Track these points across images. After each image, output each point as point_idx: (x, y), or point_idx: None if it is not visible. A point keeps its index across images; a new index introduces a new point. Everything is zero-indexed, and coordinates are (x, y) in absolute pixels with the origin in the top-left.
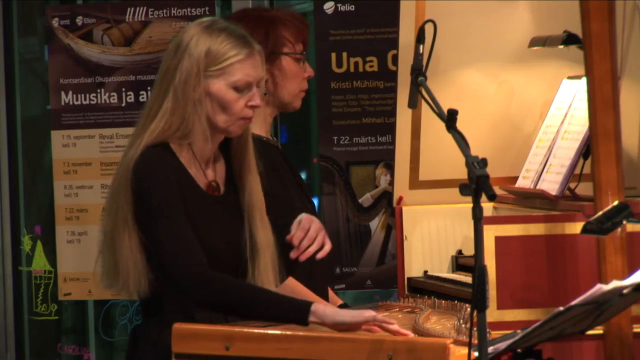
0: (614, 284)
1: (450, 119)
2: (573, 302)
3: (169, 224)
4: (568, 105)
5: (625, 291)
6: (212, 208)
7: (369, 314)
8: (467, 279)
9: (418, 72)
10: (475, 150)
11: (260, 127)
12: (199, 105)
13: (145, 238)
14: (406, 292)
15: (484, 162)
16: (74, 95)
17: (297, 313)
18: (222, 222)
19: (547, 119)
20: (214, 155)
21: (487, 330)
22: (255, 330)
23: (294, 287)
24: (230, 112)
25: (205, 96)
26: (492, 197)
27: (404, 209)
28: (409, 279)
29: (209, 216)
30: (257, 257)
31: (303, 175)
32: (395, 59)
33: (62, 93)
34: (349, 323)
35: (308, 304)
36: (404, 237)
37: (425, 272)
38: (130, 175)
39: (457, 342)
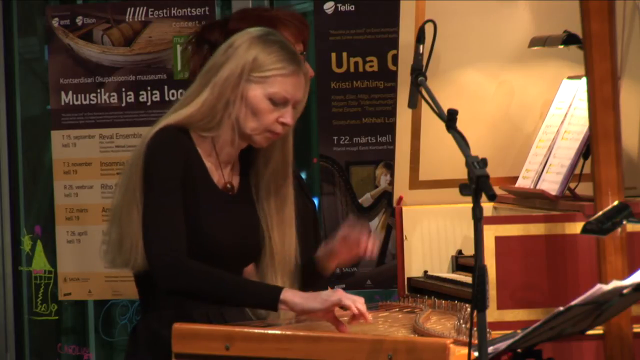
0: (614, 284)
1: (450, 119)
2: (573, 302)
3: (158, 205)
4: (568, 105)
5: (625, 291)
6: (224, 204)
7: (335, 297)
8: (467, 279)
9: (418, 72)
10: (475, 150)
11: None
12: (232, 106)
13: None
14: (406, 292)
15: (484, 162)
16: (74, 95)
17: (267, 301)
18: (232, 219)
19: (547, 119)
20: (234, 161)
21: (487, 330)
22: (255, 330)
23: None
24: (259, 121)
25: (241, 99)
26: (492, 197)
27: (404, 209)
28: (409, 279)
29: (218, 210)
30: (273, 269)
31: (303, 175)
32: (395, 59)
33: (62, 93)
34: (319, 309)
35: (278, 292)
36: (404, 237)
37: (425, 272)
38: (144, 148)
39: (457, 342)
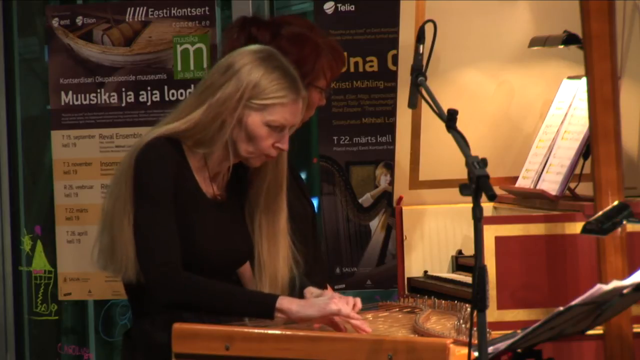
0: (614, 284)
1: (450, 119)
2: (573, 302)
3: (150, 220)
4: (568, 105)
5: (625, 291)
6: (212, 212)
7: (335, 307)
8: (467, 279)
9: (418, 72)
10: (475, 150)
11: None
12: (228, 127)
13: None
14: (406, 292)
15: (484, 162)
16: (74, 95)
17: (263, 309)
18: (220, 226)
19: (547, 119)
20: (224, 172)
21: (487, 330)
22: (255, 330)
23: None
24: (256, 146)
25: (238, 123)
26: (492, 197)
27: (404, 209)
28: (409, 279)
29: (207, 218)
30: (261, 283)
31: (303, 175)
32: (395, 59)
33: (62, 93)
34: (317, 317)
35: (273, 300)
36: (404, 237)
37: (425, 272)
38: (133, 160)
39: (457, 342)
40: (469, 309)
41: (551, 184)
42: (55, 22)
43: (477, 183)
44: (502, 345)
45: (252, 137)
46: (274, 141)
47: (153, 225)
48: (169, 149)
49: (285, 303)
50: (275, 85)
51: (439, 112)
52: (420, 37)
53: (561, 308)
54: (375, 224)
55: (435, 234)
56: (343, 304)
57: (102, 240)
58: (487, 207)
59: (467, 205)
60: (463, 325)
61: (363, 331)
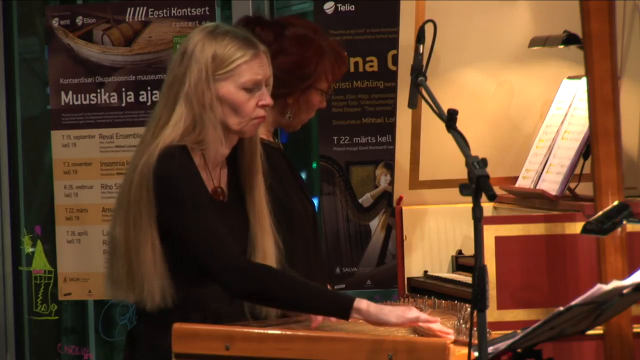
0: (614, 284)
1: (450, 119)
2: (573, 302)
3: (202, 217)
4: (568, 105)
5: (625, 291)
6: (217, 212)
7: (413, 315)
8: (467, 279)
9: (418, 72)
10: (475, 150)
11: (262, 130)
12: (211, 111)
13: (176, 237)
14: (406, 292)
15: (484, 162)
16: (74, 95)
17: (339, 308)
18: (225, 228)
19: (547, 119)
20: (222, 162)
21: (487, 330)
22: (255, 330)
23: None
24: (242, 114)
25: (216, 100)
26: (492, 197)
27: (404, 209)
28: (409, 279)
29: None
30: (256, 255)
31: (303, 175)
32: (395, 59)
33: (62, 93)
34: (394, 324)
35: (350, 300)
36: (404, 237)
37: (425, 272)
38: (151, 179)
39: (457, 342)
40: (469, 309)
41: (551, 184)
42: (55, 22)
43: (477, 183)
44: (502, 345)
45: (235, 107)
46: (256, 101)
47: (206, 226)
48: (181, 154)
49: (364, 305)
50: (231, 49)
51: (439, 112)
52: (420, 37)
53: (561, 308)
54: (375, 224)
55: (435, 234)
56: (423, 317)
57: (115, 271)
58: (487, 207)
59: (467, 205)
60: (463, 325)
61: (445, 333)
